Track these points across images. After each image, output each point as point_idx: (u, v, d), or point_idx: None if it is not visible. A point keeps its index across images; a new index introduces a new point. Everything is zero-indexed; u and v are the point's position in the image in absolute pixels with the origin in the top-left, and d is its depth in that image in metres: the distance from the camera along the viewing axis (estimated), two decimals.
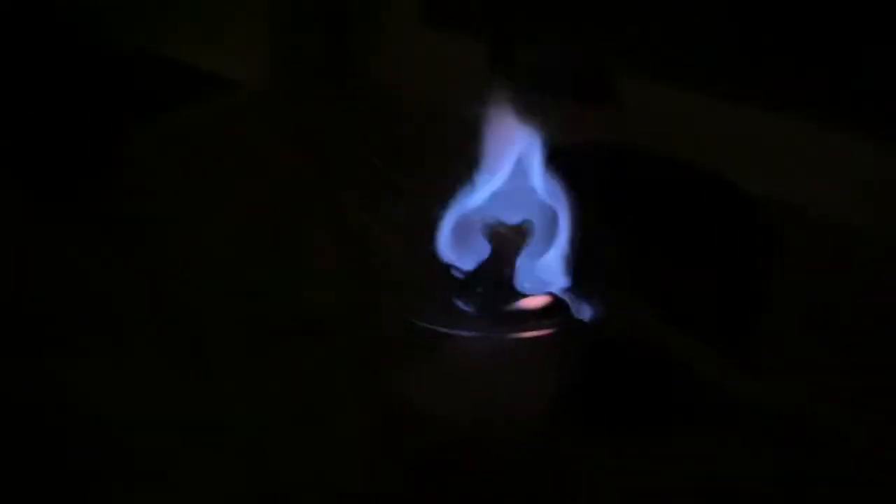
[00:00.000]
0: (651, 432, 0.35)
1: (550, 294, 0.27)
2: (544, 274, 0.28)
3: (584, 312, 0.26)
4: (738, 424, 0.32)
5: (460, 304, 0.28)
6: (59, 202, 0.51)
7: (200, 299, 0.44)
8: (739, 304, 0.37)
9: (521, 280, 0.28)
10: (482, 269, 0.27)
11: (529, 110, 0.32)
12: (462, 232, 0.29)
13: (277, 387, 0.39)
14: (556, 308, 0.27)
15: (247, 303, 0.44)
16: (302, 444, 0.36)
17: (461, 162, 0.31)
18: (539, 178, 0.30)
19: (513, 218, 0.28)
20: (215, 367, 0.40)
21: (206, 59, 0.64)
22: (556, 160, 0.30)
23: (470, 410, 0.32)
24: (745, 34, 0.51)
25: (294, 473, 0.35)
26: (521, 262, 0.27)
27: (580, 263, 0.27)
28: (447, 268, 0.28)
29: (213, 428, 0.37)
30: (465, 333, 0.27)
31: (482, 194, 0.30)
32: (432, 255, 0.29)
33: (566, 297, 0.27)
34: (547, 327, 0.27)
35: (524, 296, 0.27)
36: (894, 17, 0.46)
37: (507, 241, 0.27)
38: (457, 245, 0.28)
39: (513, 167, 0.30)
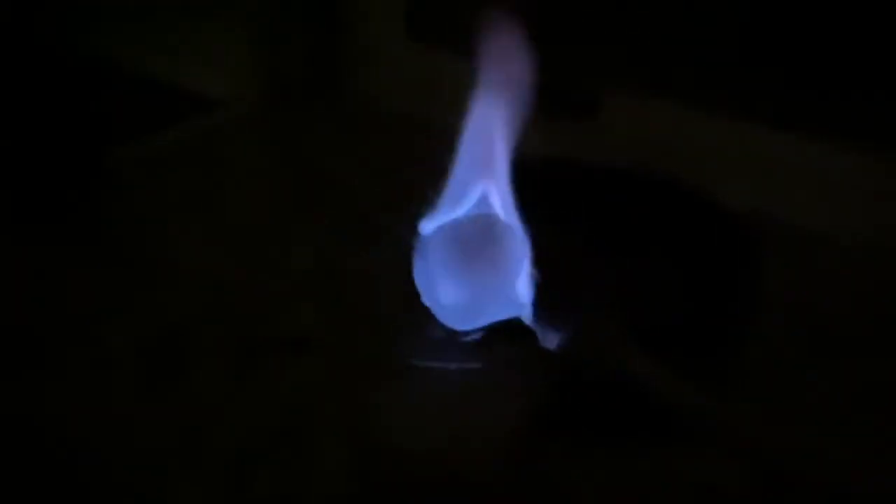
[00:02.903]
0: (629, 448, 0.35)
1: (517, 319, 0.27)
2: (511, 299, 0.27)
3: (551, 339, 0.26)
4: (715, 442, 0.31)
5: (430, 330, 0.27)
6: (42, 222, 0.50)
7: (183, 318, 0.44)
8: (718, 323, 0.36)
9: (489, 305, 0.27)
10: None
11: (510, 126, 0.32)
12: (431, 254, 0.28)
13: (258, 407, 0.39)
14: (523, 334, 0.26)
15: (229, 322, 0.43)
16: (281, 466, 0.36)
17: (443, 178, 0.31)
18: (508, 200, 0.29)
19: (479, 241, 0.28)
20: (196, 387, 0.40)
21: (189, 78, 0.64)
22: (527, 175, 0.30)
23: (446, 440, 0.32)
24: (722, 45, 0.50)
25: (273, 496, 0.35)
26: (490, 288, 0.27)
27: (548, 287, 0.27)
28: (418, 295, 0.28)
29: (193, 448, 0.37)
30: (433, 364, 0.26)
31: (450, 216, 0.29)
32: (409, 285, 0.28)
33: (533, 323, 0.26)
34: (513, 354, 0.26)
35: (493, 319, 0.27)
36: (875, 28, 0.46)
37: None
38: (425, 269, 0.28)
39: (483, 189, 0.30)
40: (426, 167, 0.32)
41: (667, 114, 0.53)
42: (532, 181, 0.30)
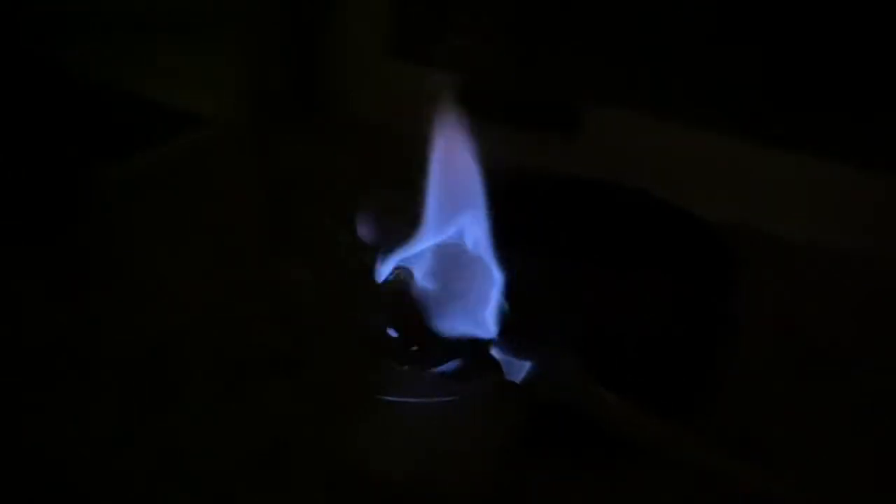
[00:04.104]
0: (603, 476, 0.35)
1: (484, 350, 0.26)
2: (480, 328, 0.27)
3: (518, 372, 0.25)
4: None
5: (396, 363, 0.27)
6: (27, 243, 0.50)
7: (169, 339, 0.43)
8: (700, 340, 0.36)
9: (455, 333, 0.27)
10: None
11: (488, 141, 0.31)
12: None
13: (240, 429, 0.38)
14: (490, 366, 0.26)
15: (213, 343, 0.43)
16: (265, 489, 0.36)
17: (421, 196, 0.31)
18: (480, 229, 0.29)
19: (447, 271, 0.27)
20: (179, 408, 0.39)
21: (173, 95, 0.64)
22: (503, 190, 0.29)
23: (425, 468, 0.31)
24: (703, 59, 0.50)
25: None
26: (455, 317, 0.27)
27: (516, 317, 0.27)
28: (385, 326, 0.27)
29: (178, 468, 0.36)
30: (398, 399, 0.26)
31: (422, 244, 0.29)
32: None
33: (501, 354, 0.26)
34: (482, 387, 0.26)
35: (458, 348, 0.27)
36: (856, 43, 0.46)
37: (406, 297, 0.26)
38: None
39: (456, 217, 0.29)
40: (411, 183, 0.31)
41: (647, 127, 0.53)
42: (508, 195, 0.29)
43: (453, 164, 0.30)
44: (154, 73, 0.65)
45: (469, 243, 0.28)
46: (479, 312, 0.26)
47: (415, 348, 0.26)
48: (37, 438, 0.38)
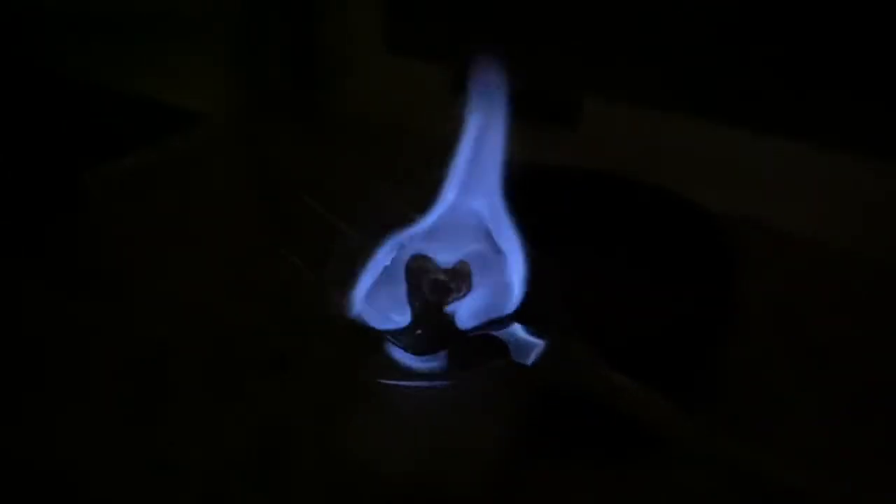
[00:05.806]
0: (608, 462, 0.35)
1: (491, 335, 0.26)
2: (491, 310, 0.26)
3: (526, 354, 0.25)
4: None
5: (397, 348, 0.26)
6: (22, 244, 0.50)
7: (163, 340, 0.43)
8: (699, 328, 0.36)
9: (465, 317, 0.26)
10: (417, 310, 0.26)
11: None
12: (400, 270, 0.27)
13: (238, 428, 0.38)
14: (497, 350, 0.26)
15: (208, 344, 0.43)
16: (259, 489, 0.36)
17: (423, 189, 0.31)
18: (494, 210, 0.28)
19: (456, 253, 0.27)
20: (176, 408, 0.39)
21: (170, 94, 0.64)
22: (509, 184, 0.29)
23: (424, 460, 0.31)
24: (702, 51, 0.50)
25: None
26: (465, 300, 0.26)
27: (530, 299, 0.26)
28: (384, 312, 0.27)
29: (172, 470, 0.36)
30: (405, 384, 0.26)
31: (426, 225, 0.28)
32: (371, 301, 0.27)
33: (511, 336, 0.26)
34: (487, 372, 0.25)
35: (466, 335, 0.26)
36: (852, 33, 0.46)
37: (437, 286, 0.26)
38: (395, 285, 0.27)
39: (464, 196, 0.29)
40: (407, 178, 0.31)
41: (647, 118, 0.53)
42: (511, 187, 0.29)
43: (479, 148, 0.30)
44: (151, 71, 0.65)
45: (483, 230, 0.27)
46: (489, 298, 0.26)
47: (419, 332, 0.26)
48: (37, 439, 0.38)
